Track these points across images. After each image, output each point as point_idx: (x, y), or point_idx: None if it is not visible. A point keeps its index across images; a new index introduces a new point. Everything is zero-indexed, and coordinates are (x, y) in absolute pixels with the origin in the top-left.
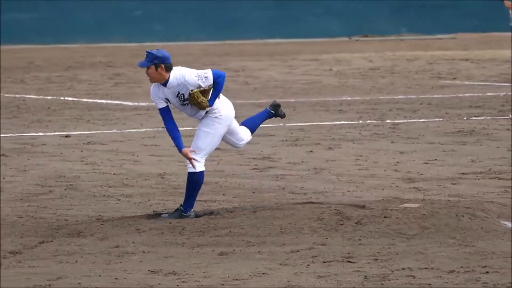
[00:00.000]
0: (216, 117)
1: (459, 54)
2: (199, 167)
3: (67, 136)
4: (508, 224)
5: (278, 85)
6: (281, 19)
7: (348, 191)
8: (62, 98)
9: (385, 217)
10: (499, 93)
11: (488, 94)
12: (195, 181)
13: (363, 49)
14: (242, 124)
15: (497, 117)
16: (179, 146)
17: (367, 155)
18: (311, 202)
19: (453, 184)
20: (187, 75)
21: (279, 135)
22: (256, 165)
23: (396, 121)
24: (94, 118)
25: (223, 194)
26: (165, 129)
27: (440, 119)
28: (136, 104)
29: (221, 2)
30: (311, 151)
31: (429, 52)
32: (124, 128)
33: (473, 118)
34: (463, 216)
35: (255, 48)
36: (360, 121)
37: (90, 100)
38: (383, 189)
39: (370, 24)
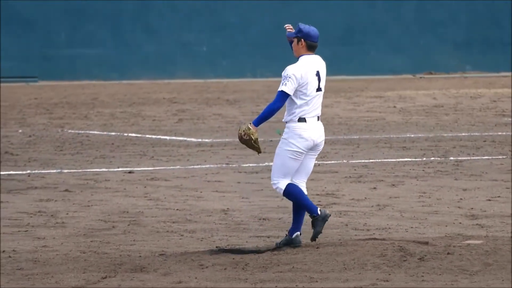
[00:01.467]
0: (286, 138)
1: None
2: (282, 185)
3: (130, 172)
4: None
5: (342, 122)
6: (346, 56)
7: (411, 227)
8: (125, 134)
9: (448, 253)
10: None
11: None
12: (292, 194)
13: (427, 86)
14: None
15: None
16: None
17: (430, 192)
18: (374, 239)
19: None
20: (287, 69)
21: (343, 172)
22: (319, 201)
23: (460, 158)
24: (158, 154)
25: (286, 230)
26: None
27: (504, 157)
28: (200, 140)
29: (285, 39)
30: (375, 188)
31: (492, 89)
32: (188, 164)
33: None
34: None
35: None
36: (424, 158)
37: (153, 136)
38: (446, 226)
39: (435, 61)
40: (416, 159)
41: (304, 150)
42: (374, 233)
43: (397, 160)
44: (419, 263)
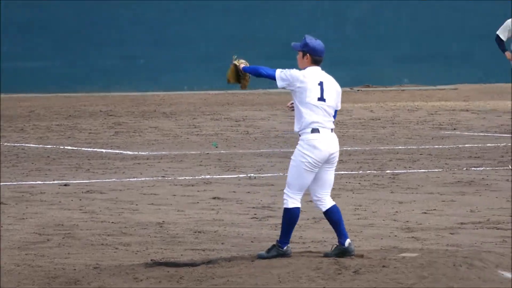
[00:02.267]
0: (300, 150)
1: (460, 104)
2: (292, 203)
3: (66, 185)
4: (507, 274)
5: (279, 135)
6: (284, 68)
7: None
8: (61, 147)
9: (383, 266)
10: (499, 144)
11: (488, 145)
12: (289, 217)
13: (365, 100)
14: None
15: (496, 168)
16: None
17: (366, 205)
18: (310, 251)
19: (451, 234)
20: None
21: (279, 185)
22: (255, 214)
23: (396, 171)
24: (94, 167)
25: (222, 243)
26: None
27: (440, 170)
28: (136, 153)
29: (223, 52)
30: (310, 201)
31: (430, 102)
32: (124, 177)
33: (473, 168)
34: (461, 266)
35: (257, 98)
36: (360, 171)
37: (89, 149)
38: (381, 239)
39: (373, 75)
40: (353, 172)
41: (319, 162)
42: (309, 246)
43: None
44: (354, 276)
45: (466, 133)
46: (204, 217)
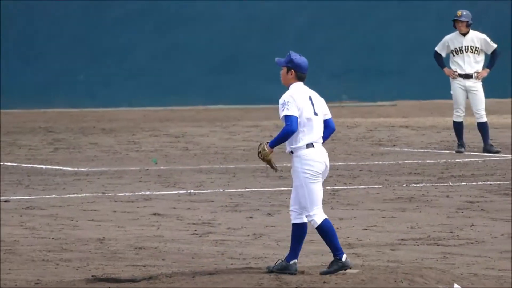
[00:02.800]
0: (299, 167)
1: (399, 121)
2: (318, 219)
3: (6, 201)
4: None
5: (219, 151)
6: (223, 85)
7: None
8: (1, 163)
9: (324, 282)
10: (438, 160)
11: (428, 161)
12: (324, 231)
13: None
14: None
15: (436, 184)
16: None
17: None
18: (250, 268)
19: (392, 250)
20: (286, 92)
21: (219, 201)
22: (195, 230)
23: (336, 187)
24: (34, 183)
25: (163, 259)
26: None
27: (380, 186)
28: (76, 169)
29: (162, 68)
30: (251, 217)
31: (369, 119)
32: (64, 193)
33: (413, 185)
34: (402, 282)
35: (196, 114)
36: None
37: (29, 165)
38: (322, 255)
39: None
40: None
41: (320, 172)
42: (250, 262)
43: (274, 189)
44: None
45: (406, 149)
46: (144, 233)
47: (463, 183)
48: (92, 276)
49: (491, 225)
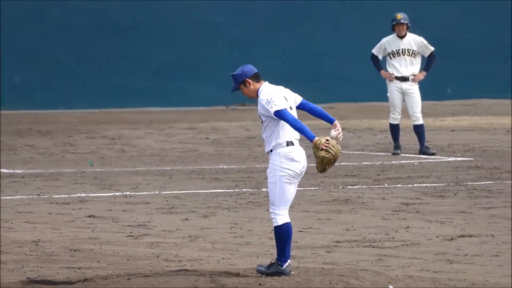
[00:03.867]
0: (277, 164)
1: None
2: (281, 220)
3: None
4: None
5: (155, 153)
6: (159, 88)
7: (223, 258)
8: None
9: (260, 284)
10: (374, 162)
11: (364, 163)
12: (281, 234)
13: (241, 118)
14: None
15: (372, 186)
16: (309, 136)
17: (242, 223)
18: (186, 270)
19: (327, 252)
20: (261, 94)
21: (155, 203)
22: (131, 232)
23: None
24: None
25: (98, 261)
26: None
27: (316, 188)
28: (12, 171)
29: (99, 71)
30: (187, 219)
31: (306, 121)
32: None
33: (349, 187)
34: (337, 284)
35: (132, 117)
36: (236, 190)
37: None
38: (257, 257)
39: None
40: (229, 190)
41: (298, 173)
42: (185, 264)
43: (210, 191)
44: None
45: (342, 151)
46: (80, 235)
47: (398, 185)
48: (27, 278)
49: (427, 227)
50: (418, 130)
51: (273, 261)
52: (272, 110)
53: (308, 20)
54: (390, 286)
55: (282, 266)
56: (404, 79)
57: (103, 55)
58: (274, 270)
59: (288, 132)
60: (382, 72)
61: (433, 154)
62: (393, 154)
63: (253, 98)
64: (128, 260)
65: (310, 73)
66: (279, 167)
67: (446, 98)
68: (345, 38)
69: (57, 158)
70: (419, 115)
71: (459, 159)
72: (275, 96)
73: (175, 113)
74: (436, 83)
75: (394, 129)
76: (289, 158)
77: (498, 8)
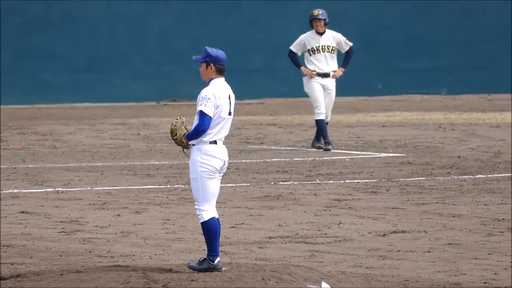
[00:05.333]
0: (198, 160)
1: (267, 119)
2: (206, 215)
3: None
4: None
5: (86, 149)
6: (90, 83)
7: (155, 254)
8: None
9: (192, 280)
10: (306, 158)
11: (296, 159)
12: (208, 229)
13: (172, 114)
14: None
15: (304, 182)
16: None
17: (174, 219)
18: (118, 265)
19: (260, 248)
20: (205, 88)
21: (87, 199)
22: (63, 228)
23: None
24: None
25: (30, 257)
26: None
27: (248, 184)
28: None
29: (29, 67)
30: (119, 215)
31: (236, 117)
32: None
33: (280, 183)
34: (270, 280)
35: (63, 112)
36: (168, 185)
37: None
38: (190, 253)
39: (178, 89)
40: (161, 186)
41: (218, 168)
42: (118, 260)
43: (142, 187)
44: None
45: (273, 147)
46: (12, 231)
47: (330, 181)
48: None
49: (359, 223)
50: (324, 124)
51: (205, 257)
52: (199, 108)
53: (237, 14)
54: (323, 282)
55: (213, 262)
56: (325, 75)
57: (31, 51)
58: (206, 266)
59: (216, 134)
60: (303, 68)
61: (320, 148)
62: (325, 150)
63: (203, 81)
64: (60, 256)
65: (239, 68)
66: (200, 162)
67: (377, 93)
68: (274, 33)
69: None
70: (330, 112)
71: (391, 155)
72: (212, 99)
73: (105, 108)
74: (366, 78)
75: (322, 125)
76: (209, 154)
77: (423, 1)
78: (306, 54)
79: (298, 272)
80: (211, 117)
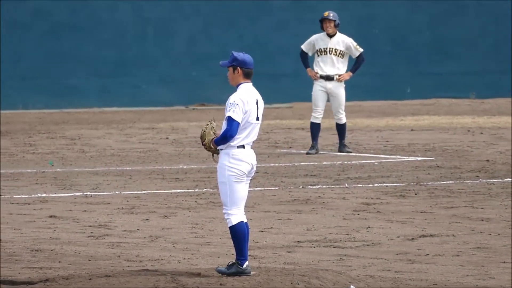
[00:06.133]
0: (225, 164)
1: (295, 123)
2: (234, 219)
3: None
4: None
5: (115, 153)
6: (117, 88)
7: (184, 258)
8: None
9: (221, 284)
10: (335, 162)
11: (324, 163)
12: (236, 233)
13: (200, 118)
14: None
15: (333, 186)
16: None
17: (203, 223)
18: (147, 270)
19: (288, 252)
20: (234, 93)
21: (115, 203)
22: (92, 232)
23: None
24: None
25: (59, 262)
26: None
27: (276, 188)
28: None
29: (57, 70)
30: (147, 219)
31: (265, 121)
32: None
33: (309, 186)
34: (298, 284)
35: (92, 117)
36: (197, 190)
37: None
38: (218, 257)
39: (207, 93)
40: (189, 190)
41: (246, 172)
42: (146, 264)
43: (170, 191)
44: None
45: (302, 151)
46: (41, 235)
47: (359, 185)
48: None
49: (387, 227)
50: (339, 128)
51: (233, 262)
52: (227, 114)
53: (266, 18)
54: (351, 286)
55: (242, 266)
56: (328, 78)
57: (59, 55)
58: (235, 270)
59: (244, 139)
60: (309, 70)
61: (350, 152)
62: (307, 154)
63: (231, 85)
64: (89, 260)
65: (268, 73)
66: (227, 166)
67: (406, 97)
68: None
69: (17, 158)
70: (341, 115)
71: (419, 158)
72: (241, 105)
73: (133, 113)
74: (395, 82)
75: (314, 128)
76: (236, 158)
77: (451, 5)
78: (315, 55)
79: (327, 276)
80: (239, 123)
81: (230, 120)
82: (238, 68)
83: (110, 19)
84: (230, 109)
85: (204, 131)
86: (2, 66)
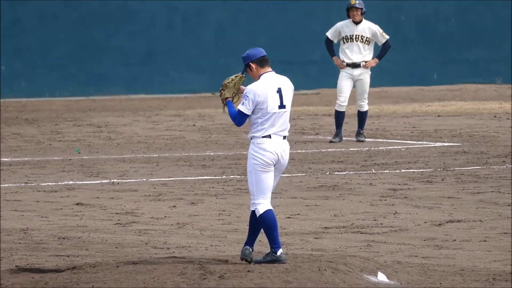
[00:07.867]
0: (251, 153)
1: (322, 109)
2: (262, 208)
3: None
4: (371, 278)
5: (142, 141)
6: (145, 75)
7: (211, 245)
8: None
9: (248, 271)
10: (361, 148)
11: (351, 149)
12: (266, 222)
13: None
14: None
15: (359, 172)
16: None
17: (230, 210)
18: (174, 257)
19: (316, 238)
20: (248, 87)
21: (142, 190)
22: (119, 220)
23: None
24: None
25: (86, 249)
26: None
27: (303, 174)
28: None
29: (83, 58)
30: (174, 206)
31: (292, 107)
32: None
33: (336, 173)
34: (326, 270)
35: (118, 104)
36: (223, 176)
37: None
38: None
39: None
40: (216, 177)
41: (271, 162)
42: (174, 252)
43: (197, 178)
44: (219, 281)
45: (329, 137)
46: (68, 223)
47: (386, 171)
48: (16, 266)
49: (414, 212)
50: (360, 115)
51: (269, 252)
52: (238, 106)
53: (293, 6)
54: (379, 272)
55: (276, 253)
56: (355, 65)
57: (87, 45)
58: (270, 258)
59: (269, 129)
60: (335, 58)
61: (362, 141)
62: (330, 141)
63: (256, 80)
64: (116, 247)
65: (295, 59)
66: (252, 155)
67: (432, 83)
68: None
69: (44, 146)
70: (364, 102)
71: (446, 144)
72: (251, 97)
73: (160, 100)
74: (422, 68)
75: (338, 116)
76: (261, 147)
77: None
78: (341, 42)
79: (354, 262)
80: (247, 115)
81: (239, 111)
82: (250, 63)
83: (139, 10)
84: (242, 102)
85: (229, 82)
86: (31, 55)
